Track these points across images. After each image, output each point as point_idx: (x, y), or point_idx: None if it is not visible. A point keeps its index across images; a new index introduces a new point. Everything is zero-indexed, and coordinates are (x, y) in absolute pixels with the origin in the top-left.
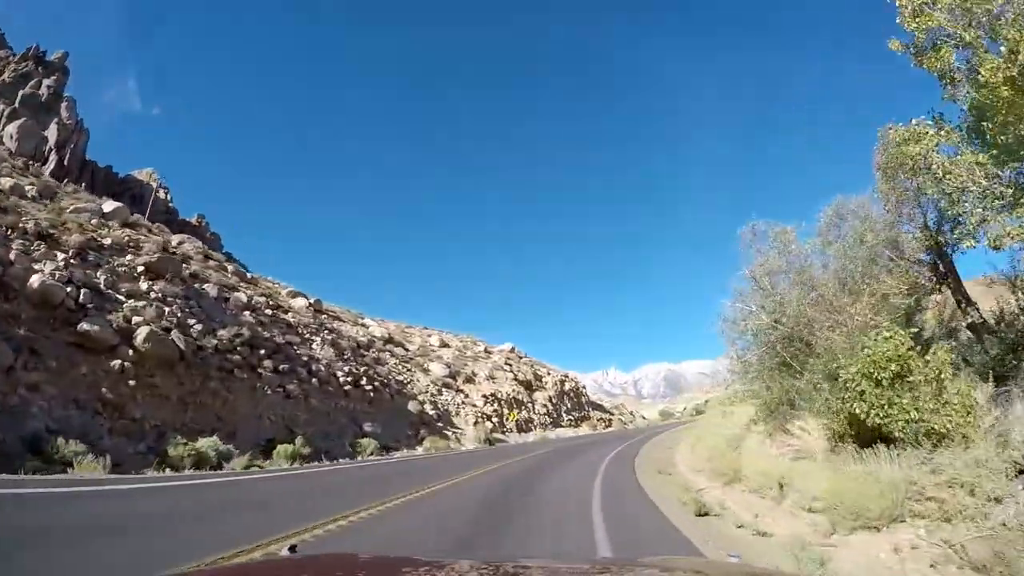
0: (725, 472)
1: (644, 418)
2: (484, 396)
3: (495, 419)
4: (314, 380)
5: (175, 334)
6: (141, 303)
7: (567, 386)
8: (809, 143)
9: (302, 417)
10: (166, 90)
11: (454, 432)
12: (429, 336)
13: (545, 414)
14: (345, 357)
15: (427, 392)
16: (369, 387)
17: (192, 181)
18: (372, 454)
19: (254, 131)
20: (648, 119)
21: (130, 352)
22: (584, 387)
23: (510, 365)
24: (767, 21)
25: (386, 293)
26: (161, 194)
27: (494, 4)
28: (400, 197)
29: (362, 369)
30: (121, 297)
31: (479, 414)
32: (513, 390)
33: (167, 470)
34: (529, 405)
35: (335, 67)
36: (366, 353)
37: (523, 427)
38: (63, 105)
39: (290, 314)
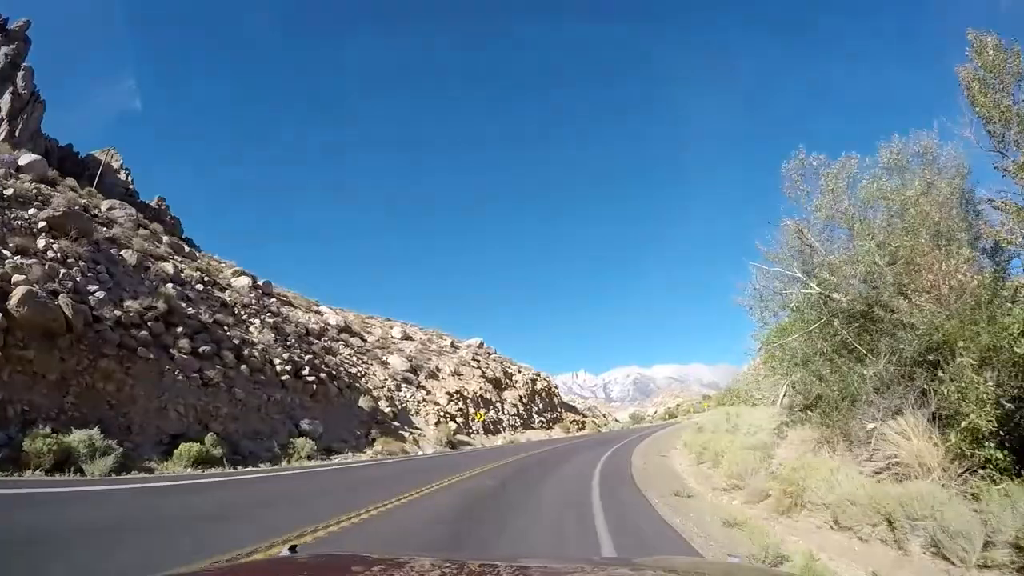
0: (775, 494)
1: (617, 421)
2: (448, 394)
3: (460, 419)
4: (243, 367)
5: (63, 299)
6: (30, 261)
7: (539, 385)
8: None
9: (222, 410)
10: (171, 96)
11: (412, 433)
12: (391, 327)
13: (515, 415)
14: (288, 343)
15: (384, 387)
16: (312, 378)
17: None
18: (309, 458)
19: (242, 125)
20: (629, 117)
21: None
22: (557, 387)
23: (478, 361)
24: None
25: (361, 287)
26: (122, 176)
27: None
28: (396, 195)
29: (306, 357)
30: (7, 253)
31: (442, 413)
32: (481, 388)
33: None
34: (498, 405)
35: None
36: (316, 341)
37: (491, 428)
38: (20, 75)
39: (228, 293)
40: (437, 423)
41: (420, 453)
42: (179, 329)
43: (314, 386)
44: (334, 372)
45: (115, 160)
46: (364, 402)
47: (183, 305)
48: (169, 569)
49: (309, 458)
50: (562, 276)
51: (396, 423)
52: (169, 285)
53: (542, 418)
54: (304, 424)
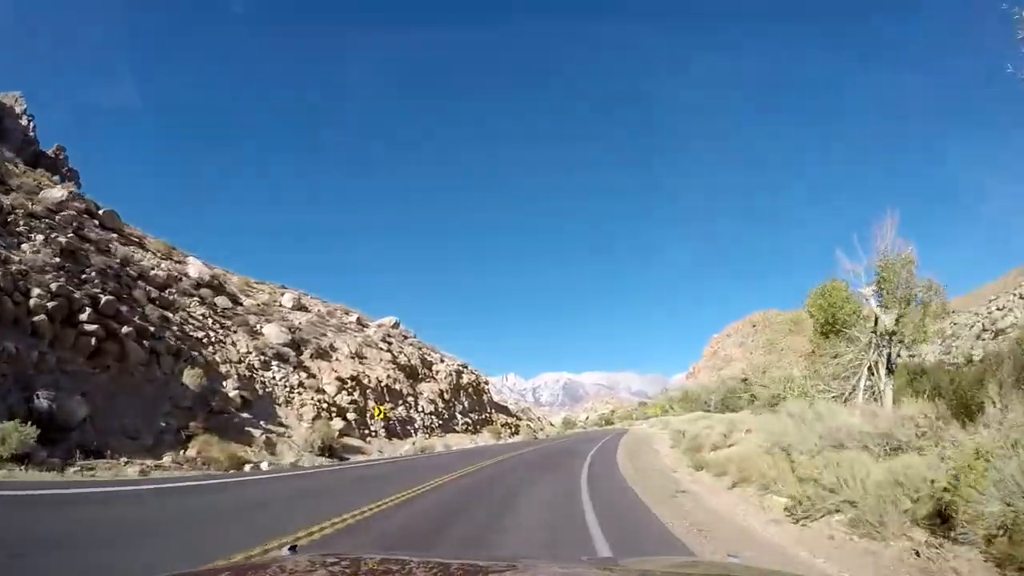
0: None
1: (552, 425)
2: (341, 380)
3: (354, 414)
4: None
5: None
6: None
7: (465, 379)
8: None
9: None
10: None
11: (270, 432)
12: (283, 294)
13: (432, 413)
14: (83, 277)
15: (242, 363)
16: (95, 327)
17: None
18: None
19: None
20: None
21: None
22: (488, 383)
23: (389, 343)
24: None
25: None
26: (24, 121)
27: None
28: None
29: (105, 299)
30: None
31: (325, 405)
32: (389, 376)
33: None
34: (410, 400)
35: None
36: (149, 289)
37: (397, 429)
38: None
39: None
40: (316, 417)
41: (264, 468)
42: None
43: (97, 341)
44: (154, 330)
45: (19, 105)
46: (191, 378)
47: None
48: (169, 570)
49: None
50: (494, 278)
51: (246, 415)
52: None
53: (468, 419)
54: (42, 399)
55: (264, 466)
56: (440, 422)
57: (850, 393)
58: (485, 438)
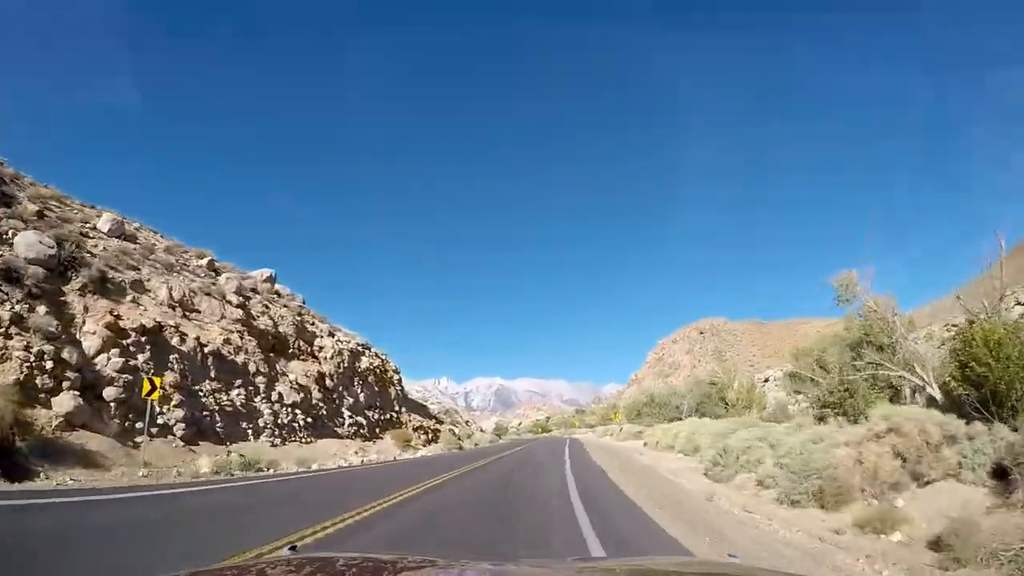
0: None
1: (483, 431)
2: (118, 329)
3: (119, 390)
4: None
5: None
6: None
7: (364, 363)
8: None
9: None
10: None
11: None
12: (99, 216)
13: (298, 405)
14: None
15: None
16: None
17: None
18: None
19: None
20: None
21: None
22: (398, 373)
23: (247, 299)
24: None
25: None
26: None
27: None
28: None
29: None
30: None
31: (52, 364)
32: (228, 341)
33: None
34: (263, 382)
35: None
36: None
37: (215, 427)
38: None
39: None
40: (21, 384)
41: None
42: None
43: None
44: None
45: None
46: None
47: None
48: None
49: None
50: (426, 281)
51: None
52: None
53: (362, 418)
54: None
55: None
56: (309, 420)
57: None
58: (386, 447)
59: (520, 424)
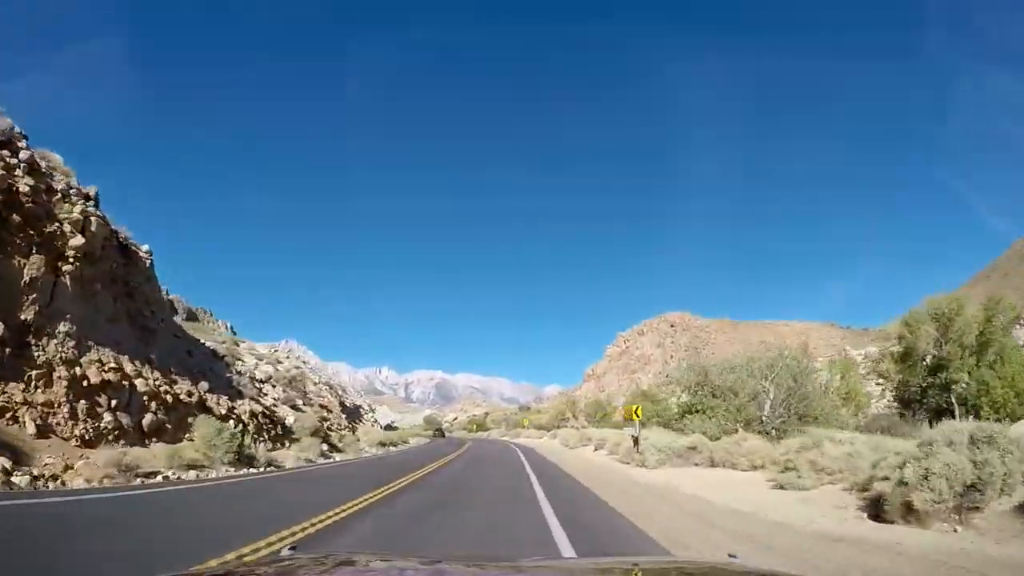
0: None
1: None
2: None
3: None
4: None
5: None
6: None
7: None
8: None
9: None
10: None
11: None
12: None
13: None
14: None
15: None
16: None
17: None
18: None
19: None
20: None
21: None
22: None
23: None
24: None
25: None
26: None
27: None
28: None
29: None
30: None
31: None
32: None
33: None
34: None
35: None
36: None
37: None
38: None
39: None
40: None
41: None
42: None
43: None
44: None
45: None
46: None
47: None
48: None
49: None
50: (369, 267)
51: None
52: None
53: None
54: None
55: None
56: None
57: None
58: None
59: (455, 419)
